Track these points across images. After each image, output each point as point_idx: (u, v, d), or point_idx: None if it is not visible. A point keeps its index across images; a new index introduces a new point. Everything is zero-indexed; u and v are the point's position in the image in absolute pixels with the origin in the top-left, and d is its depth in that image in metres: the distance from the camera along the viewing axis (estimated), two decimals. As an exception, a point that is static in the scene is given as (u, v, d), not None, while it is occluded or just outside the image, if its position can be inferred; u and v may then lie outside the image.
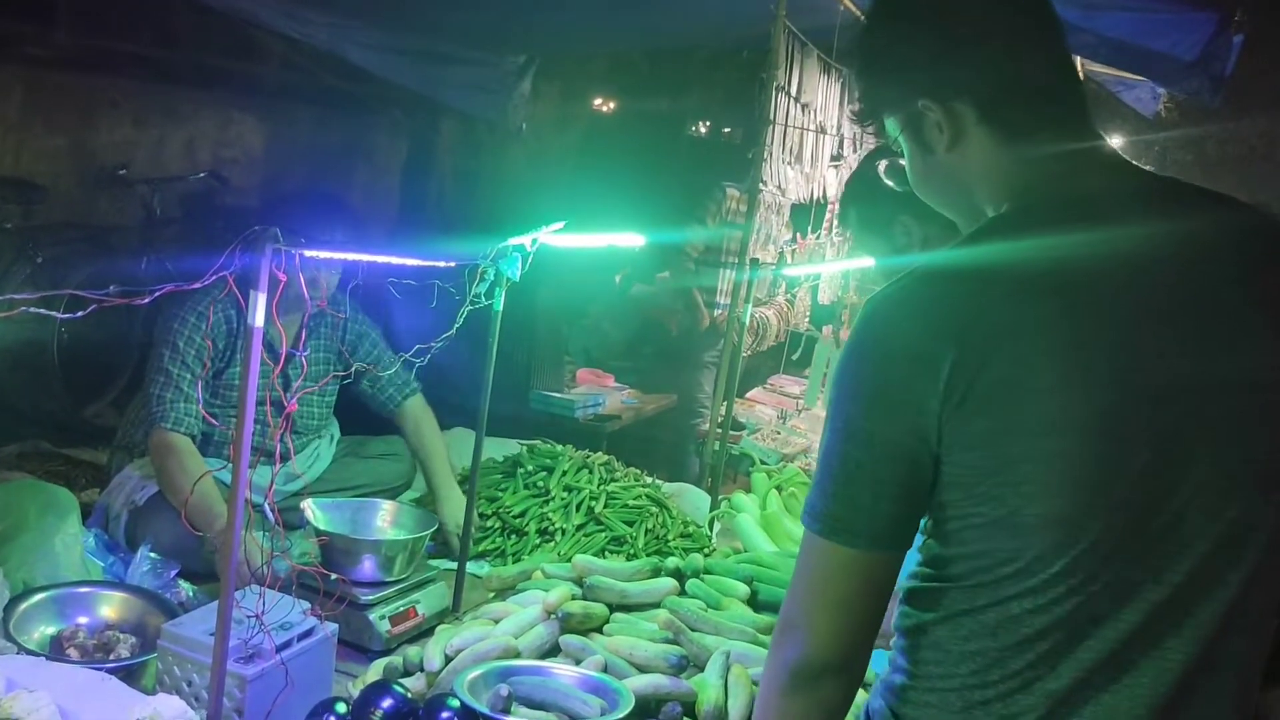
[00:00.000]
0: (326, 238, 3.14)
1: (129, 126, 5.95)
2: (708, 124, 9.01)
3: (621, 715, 2.27)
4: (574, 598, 2.80)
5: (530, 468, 3.71)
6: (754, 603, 2.97)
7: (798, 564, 1.37)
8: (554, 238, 2.78)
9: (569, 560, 3.07)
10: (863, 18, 1.87)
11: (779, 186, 4.71)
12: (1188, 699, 1.29)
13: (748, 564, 3.15)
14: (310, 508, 2.95)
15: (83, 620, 2.58)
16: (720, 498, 4.10)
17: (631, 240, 3.50)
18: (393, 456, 3.82)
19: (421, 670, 2.50)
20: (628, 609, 2.85)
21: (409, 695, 2.26)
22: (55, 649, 2.46)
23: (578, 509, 3.55)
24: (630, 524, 3.56)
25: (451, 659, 2.49)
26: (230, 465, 1.99)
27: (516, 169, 7.86)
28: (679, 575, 3.00)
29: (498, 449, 3.94)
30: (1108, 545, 1.26)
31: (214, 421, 3.20)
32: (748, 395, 5.98)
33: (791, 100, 4.61)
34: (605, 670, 2.50)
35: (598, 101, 8.86)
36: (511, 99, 5.73)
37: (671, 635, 2.65)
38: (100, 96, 5.78)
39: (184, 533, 2.65)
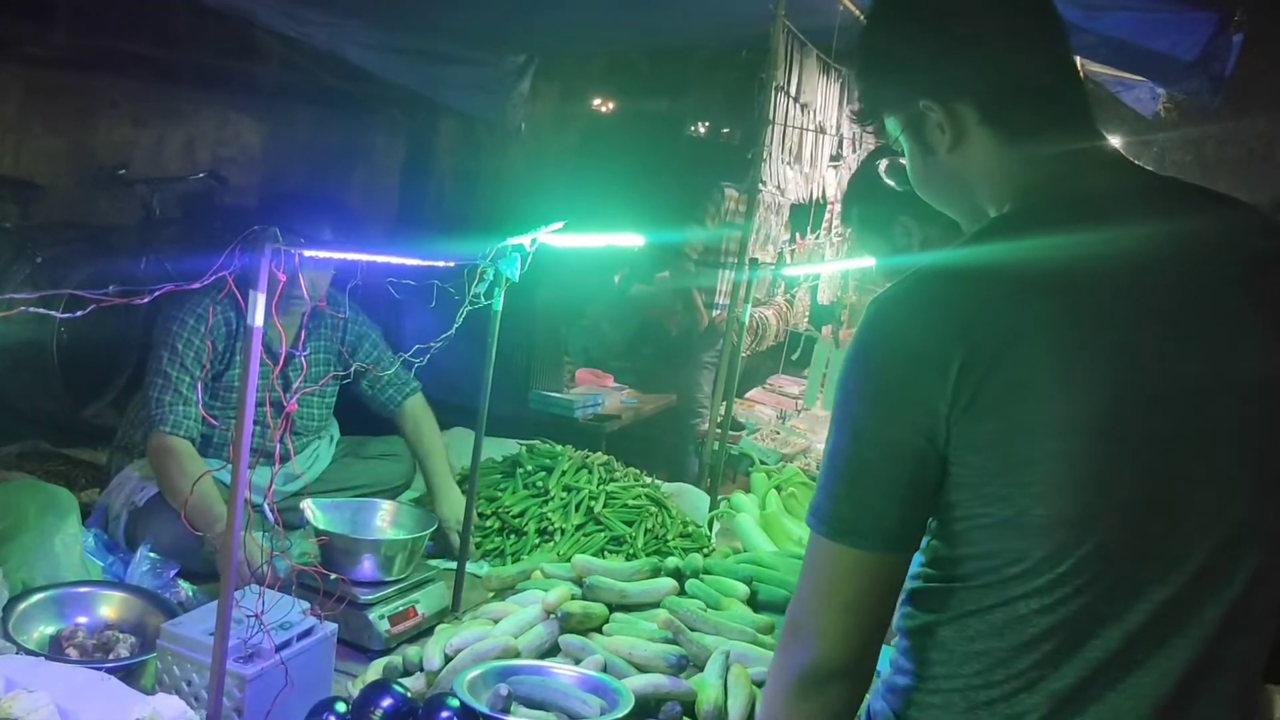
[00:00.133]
0: (314, 236, 3.14)
1: (128, 126, 5.95)
2: (707, 124, 9.02)
3: (621, 715, 2.27)
4: (573, 597, 2.80)
5: (529, 468, 3.71)
6: (753, 603, 2.97)
7: (804, 567, 1.36)
8: (553, 238, 2.78)
9: (568, 560, 3.07)
10: (863, 18, 1.87)
11: (778, 187, 4.71)
12: (1190, 698, 1.30)
13: (747, 564, 3.15)
14: (310, 508, 2.95)
15: (82, 620, 2.58)
16: (719, 498, 4.09)
17: (630, 240, 3.50)
18: (392, 457, 3.82)
19: (421, 670, 2.50)
20: (627, 609, 2.85)
21: (408, 695, 2.26)
22: (55, 649, 2.46)
23: (577, 509, 3.55)
24: (630, 524, 3.56)
25: (451, 659, 2.49)
26: (230, 466, 1.99)
27: (516, 169, 7.87)
28: (678, 575, 3.01)
29: (497, 449, 3.94)
30: (1114, 546, 1.26)
31: (214, 422, 3.20)
32: (747, 395, 5.98)
33: (791, 100, 4.61)
34: (605, 670, 2.50)
35: (597, 101, 8.86)
36: (511, 99, 5.73)
37: (671, 635, 2.65)
38: (99, 96, 5.78)
39: (183, 533, 2.65)
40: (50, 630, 2.54)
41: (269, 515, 2.12)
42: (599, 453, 3.91)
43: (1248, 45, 4.45)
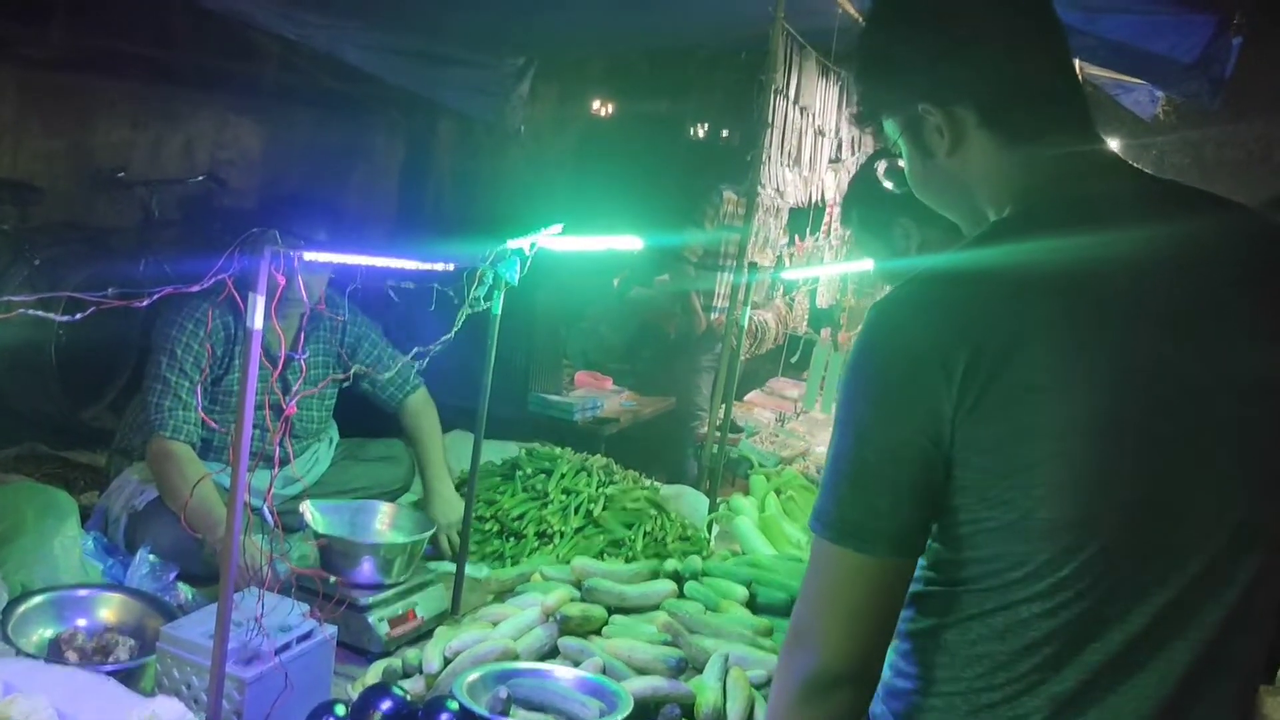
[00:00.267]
0: (309, 238, 3.14)
1: (127, 128, 5.95)
2: (706, 126, 9.01)
3: (620, 717, 2.27)
4: (572, 600, 2.80)
5: (529, 470, 3.72)
6: (752, 605, 2.97)
7: (808, 572, 1.35)
8: (552, 241, 2.78)
9: (568, 563, 3.07)
10: (862, 20, 1.87)
11: (777, 189, 4.71)
12: (1191, 700, 1.30)
13: (746, 566, 3.15)
14: (309, 510, 2.95)
15: (81, 623, 2.59)
16: (719, 500, 4.10)
17: (629, 243, 3.51)
18: (391, 459, 3.82)
19: (420, 672, 2.50)
20: (626, 611, 2.86)
21: (408, 697, 2.26)
22: (54, 652, 2.46)
23: (576, 512, 3.55)
24: (629, 527, 3.56)
25: (450, 661, 2.49)
26: (230, 469, 1.99)
27: (515, 171, 7.86)
28: (677, 578, 3.01)
29: (496, 452, 3.94)
30: (1115, 548, 1.26)
31: (214, 426, 3.20)
32: (746, 398, 5.97)
33: (790, 103, 4.61)
34: (604, 672, 2.50)
35: (596, 104, 8.86)
36: (510, 101, 5.72)
37: (670, 637, 2.66)
38: (98, 98, 5.78)
39: (183, 535, 2.66)
40: (49, 633, 2.54)
41: (268, 518, 2.12)
42: (598, 455, 3.91)
43: (1247, 48, 4.45)
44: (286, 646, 2.28)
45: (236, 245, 1.94)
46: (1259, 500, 1.30)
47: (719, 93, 8.15)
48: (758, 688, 2.46)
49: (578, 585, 2.89)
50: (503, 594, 3.03)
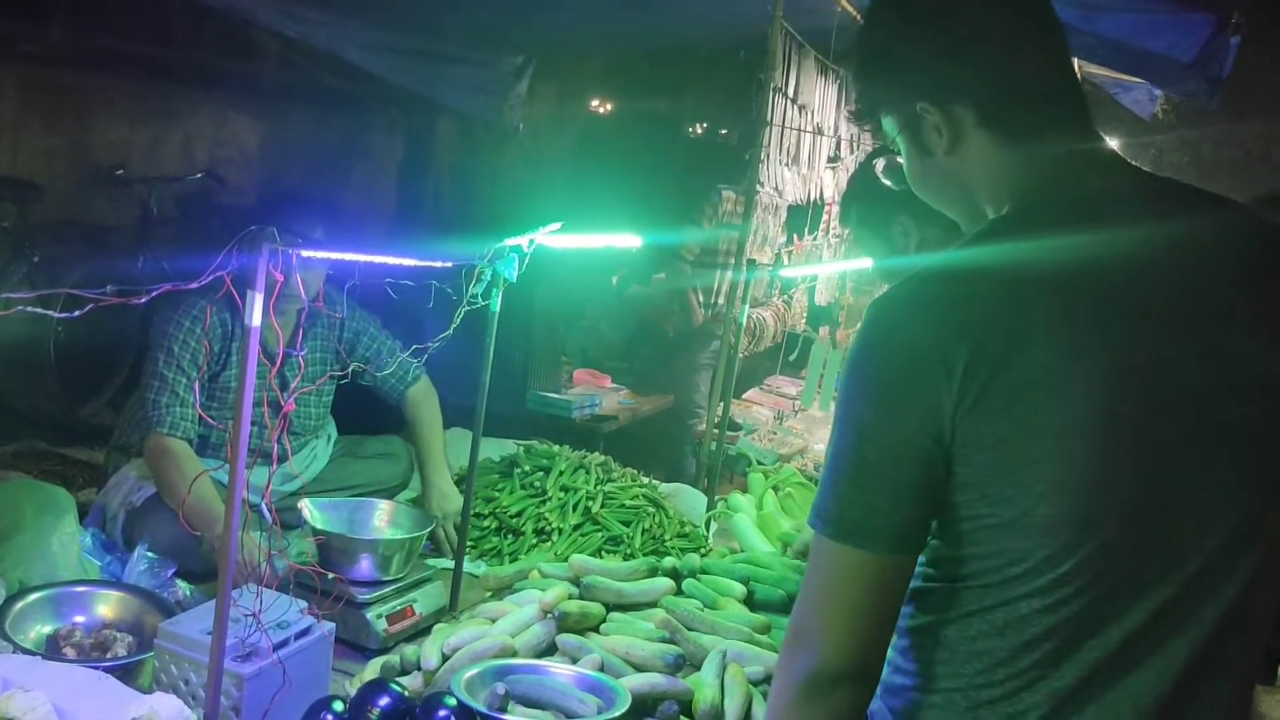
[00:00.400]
0: (305, 234, 3.14)
1: (126, 126, 5.94)
2: (704, 125, 9.02)
3: (618, 714, 2.27)
4: (571, 597, 2.80)
5: (527, 468, 3.72)
6: (750, 602, 2.97)
7: (807, 570, 1.35)
8: (551, 238, 2.78)
9: (566, 560, 3.07)
10: (860, 18, 1.87)
11: (776, 188, 4.71)
12: (1189, 696, 1.30)
13: (744, 564, 3.15)
14: (307, 507, 2.95)
15: (79, 619, 2.58)
16: (717, 498, 4.10)
17: (628, 241, 3.51)
18: (390, 456, 3.82)
19: (418, 669, 2.50)
20: (624, 608, 2.85)
21: (406, 694, 2.26)
22: (52, 648, 2.46)
23: (574, 509, 3.55)
24: (627, 524, 3.56)
25: (448, 658, 2.49)
26: (228, 466, 1.99)
27: (513, 169, 7.86)
28: (676, 575, 3.01)
29: (495, 449, 3.94)
30: (1115, 546, 1.26)
31: (212, 423, 3.20)
32: (744, 396, 5.97)
33: (788, 101, 4.61)
34: (602, 669, 2.50)
35: (594, 102, 8.86)
36: (508, 99, 5.72)
37: (668, 634, 2.66)
38: (97, 96, 5.77)
39: (181, 532, 2.65)
40: (47, 629, 2.54)
41: (266, 515, 2.12)
42: (596, 453, 3.91)
43: (1245, 47, 4.45)
44: (284, 643, 2.28)
45: (234, 243, 1.94)
46: (1259, 499, 1.31)
47: (718, 91, 8.15)
48: (755, 685, 2.46)
49: (576, 582, 2.88)
50: (501, 591, 3.03)
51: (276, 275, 1.91)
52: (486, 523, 3.54)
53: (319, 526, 2.91)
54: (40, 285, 4.54)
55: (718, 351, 4.73)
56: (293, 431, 3.48)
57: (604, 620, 2.79)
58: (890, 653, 1.41)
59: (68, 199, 5.50)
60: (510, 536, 3.50)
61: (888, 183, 1.61)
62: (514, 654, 2.53)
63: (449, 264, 2.54)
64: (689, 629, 2.68)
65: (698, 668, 2.54)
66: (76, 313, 1.78)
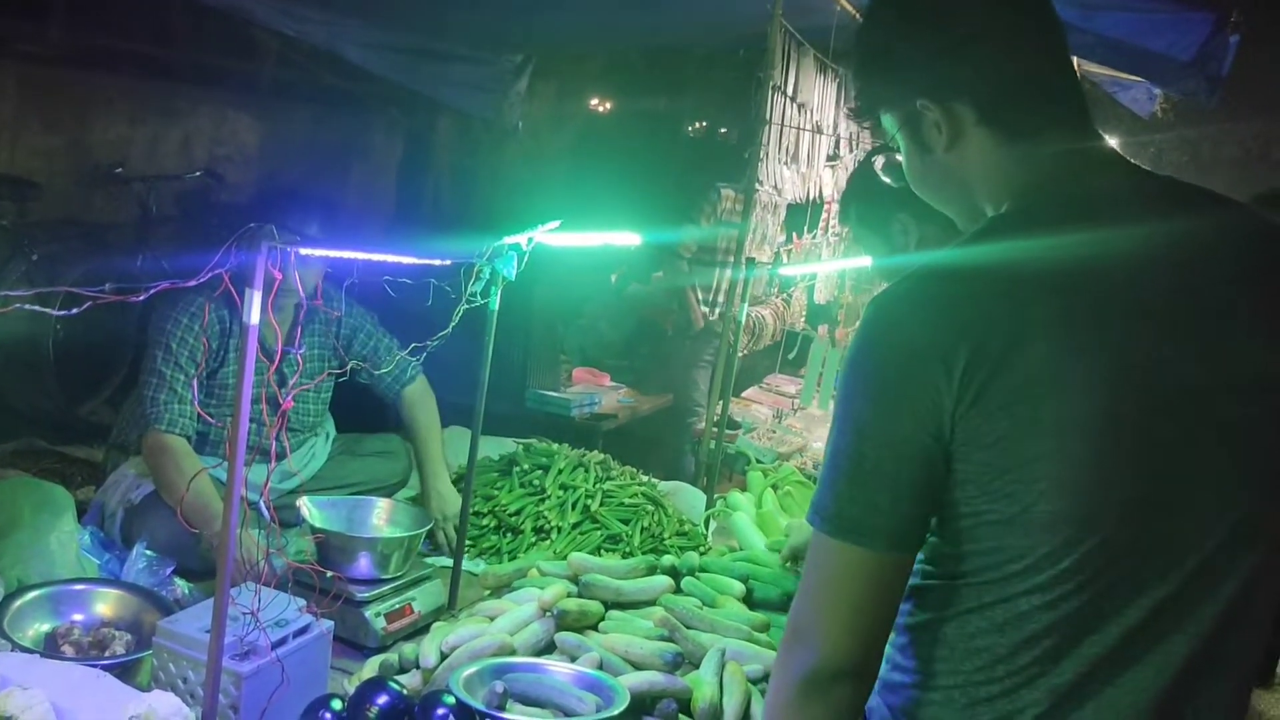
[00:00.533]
0: (301, 231, 3.14)
1: (125, 124, 5.94)
2: (704, 124, 9.02)
3: (616, 712, 2.27)
4: (569, 595, 2.80)
5: (526, 466, 3.72)
6: (749, 601, 2.97)
7: (806, 567, 1.35)
8: (550, 236, 2.78)
9: (564, 558, 3.07)
10: (860, 16, 1.86)
11: (775, 186, 4.71)
12: (1188, 694, 1.30)
13: (743, 562, 3.15)
14: (306, 505, 2.95)
15: (78, 617, 2.58)
16: (716, 496, 4.10)
17: (627, 240, 3.51)
18: (389, 454, 3.82)
19: (417, 667, 2.50)
20: (623, 607, 2.85)
21: (404, 692, 2.25)
22: (50, 646, 2.46)
23: (573, 507, 3.55)
24: (626, 522, 3.56)
25: (447, 656, 2.49)
26: (226, 463, 1.99)
27: (512, 168, 7.87)
28: (674, 573, 3.01)
29: (494, 448, 3.94)
30: (1115, 543, 1.26)
31: (210, 420, 3.20)
32: (744, 394, 5.98)
33: (788, 100, 4.61)
34: (600, 667, 2.50)
35: (594, 101, 8.86)
36: (508, 98, 5.72)
37: (667, 633, 2.66)
38: (96, 94, 5.78)
39: (179, 530, 2.65)
40: (46, 628, 2.54)
41: (265, 513, 2.12)
42: (595, 451, 3.91)
43: (1244, 45, 4.45)
44: (283, 641, 2.27)
45: (232, 241, 1.94)
46: (1259, 499, 1.31)
47: (717, 90, 8.16)
48: (754, 683, 2.46)
49: (575, 580, 2.88)
50: (500, 589, 3.03)
51: (275, 274, 1.91)
52: (485, 521, 3.53)
53: (317, 525, 2.91)
54: (39, 283, 4.54)
55: (717, 350, 4.73)
56: (291, 429, 3.48)
57: (603, 618, 2.79)
58: (889, 650, 1.41)
59: (67, 197, 5.50)
60: (509, 535, 3.50)
61: (887, 180, 1.61)
62: (512, 652, 2.53)
63: (448, 262, 2.54)
64: (688, 627, 2.68)
65: (696, 666, 2.54)
66: (75, 311, 1.78)
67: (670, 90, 8.47)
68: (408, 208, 8.01)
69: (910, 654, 1.39)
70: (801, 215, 5.30)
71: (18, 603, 2.52)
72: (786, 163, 4.80)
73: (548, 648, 2.65)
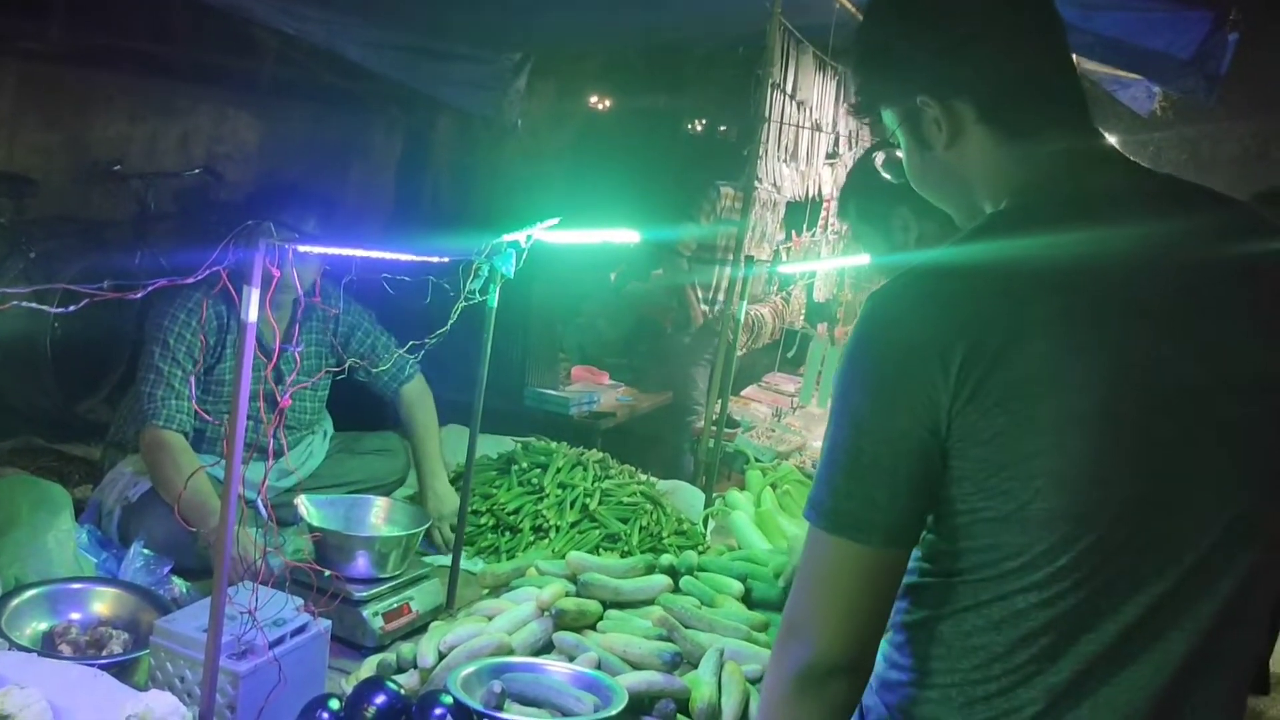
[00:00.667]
0: (298, 227, 3.13)
1: (124, 121, 5.93)
2: (703, 121, 9.01)
3: (615, 712, 2.26)
4: (568, 595, 2.79)
5: (524, 465, 3.71)
6: (748, 600, 2.97)
7: (802, 563, 1.35)
8: (549, 234, 2.78)
9: (563, 557, 3.07)
10: (860, 14, 1.86)
11: (774, 184, 4.71)
12: (1185, 692, 1.30)
13: (742, 561, 3.15)
14: (304, 504, 2.95)
15: (75, 616, 2.58)
16: (715, 495, 4.09)
17: (626, 237, 3.50)
18: (387, 452, 3.82)
19: (415, 667, 2.50)
20: (621, 606, 2.85)
21: (402, 692, 2.25)
22: (47, 645, 2.45)
23: (572, 506, 3.55)
24: (624, 521, 3.55)
25: (445, 655, 2.49)
26: (223, 461, 1.98)
27: (512, 165, 7.86)
28: (673, 572, 3.00)
29: (492, 446, 3.94)
30: (1112, 540, 1.26)
31: (207, 417, 3.19)
32: (743, 393, 5.97)
33: (787, 98, 4.61)
34: (599, 667, 2.50)
35: (593, 98, 8.85)
36: (507, 95, 5.71)
37: (665, 632, 2.65)
38: (95, 91, 5.77)
39: (177, 529, 2.65)
40: (43, 627, 2.53)
41: (262, 511, 2.12)
42: (594, 450, 3.91)
43: (1243, 44, 4.46)
44: (280, 640, 2.27)
45: (231, 238, 1.93)
46: (1257, 498, 1.31)
47: (716, 88, 8.14)
48: (753, 682, 2.46)
49: (573, 580, 2.88)
50: (498, 588, 3.03)
51: (273, 271, 1.91)
52: (484, 520, 3.53)
53: (315, 523, 2.90)
54: (37, 281, 4.54)
55: (716, 348, 4.72)
56: (288, 427, 3.47)
57: (601, 618, 2.79)
58: (886, 648, 1.41)
59: (65, 194, 5.50)
60: (507, 534, 3.50)
61: (887, 176, 1.61)
62: (511, 652, 2.52)
63: (446, 260, 2.53)
64: (686, 627, 2.67)
65: (695, 665, 2.54)
66: (73, 308, 1.77)
67: (669, 88, 8.46)
68: (407, 205, 8.00)
69: (907, 652, 1.39)
70: (801, 213, 5.30)
71: (15, 601, 2.52)
72: (786, 160, 4.80)
73: (546, 647, 2.65)
